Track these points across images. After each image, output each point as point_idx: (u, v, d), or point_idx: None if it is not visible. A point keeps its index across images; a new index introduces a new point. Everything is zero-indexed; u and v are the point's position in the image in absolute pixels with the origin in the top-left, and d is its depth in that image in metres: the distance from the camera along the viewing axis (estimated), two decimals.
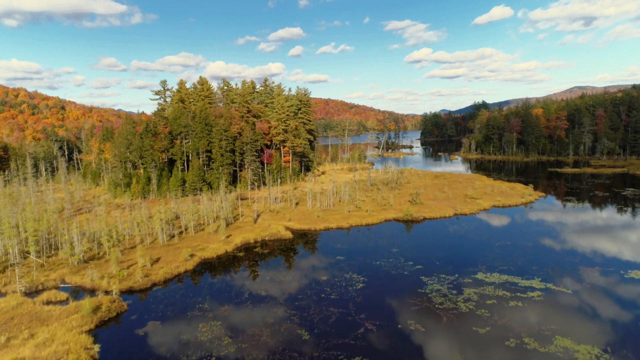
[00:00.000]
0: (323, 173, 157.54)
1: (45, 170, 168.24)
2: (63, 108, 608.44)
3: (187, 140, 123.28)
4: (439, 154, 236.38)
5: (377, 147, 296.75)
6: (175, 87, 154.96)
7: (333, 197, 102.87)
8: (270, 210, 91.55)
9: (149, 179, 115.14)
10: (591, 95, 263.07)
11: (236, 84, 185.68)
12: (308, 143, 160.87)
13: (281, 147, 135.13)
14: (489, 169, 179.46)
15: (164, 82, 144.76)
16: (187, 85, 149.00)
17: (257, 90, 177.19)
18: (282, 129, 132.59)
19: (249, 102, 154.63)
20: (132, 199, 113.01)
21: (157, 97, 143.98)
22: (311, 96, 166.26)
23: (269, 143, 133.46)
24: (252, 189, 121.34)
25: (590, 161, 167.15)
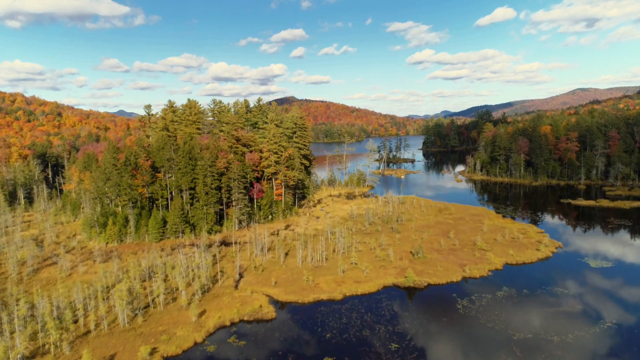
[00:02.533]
0: (319, 202, 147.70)
1: (24, 198, 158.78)
2: (60, 114, 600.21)
3: (170, 175, 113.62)
4: (442, 172, 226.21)
5: (378, 161, 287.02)
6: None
7: (326, 244, 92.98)
8: (255, 267, 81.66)
9: (126, 219, 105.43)
10: (599, 110, 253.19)
11: (228, 103, 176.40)
12: (303, 168, 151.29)
13: (273, 179, 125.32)
14: (495, 192, 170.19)
15: (148, 107, 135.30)
16: (181, 102, 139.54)
17: (251, 110, 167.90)
18: (274, 160, 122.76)
19: (241, 127, 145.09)
20: (107, 243, 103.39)
21: (141, 124, 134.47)
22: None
23: (259, 175, 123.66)
24: (240, 227, 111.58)
25: (603, 187, 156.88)
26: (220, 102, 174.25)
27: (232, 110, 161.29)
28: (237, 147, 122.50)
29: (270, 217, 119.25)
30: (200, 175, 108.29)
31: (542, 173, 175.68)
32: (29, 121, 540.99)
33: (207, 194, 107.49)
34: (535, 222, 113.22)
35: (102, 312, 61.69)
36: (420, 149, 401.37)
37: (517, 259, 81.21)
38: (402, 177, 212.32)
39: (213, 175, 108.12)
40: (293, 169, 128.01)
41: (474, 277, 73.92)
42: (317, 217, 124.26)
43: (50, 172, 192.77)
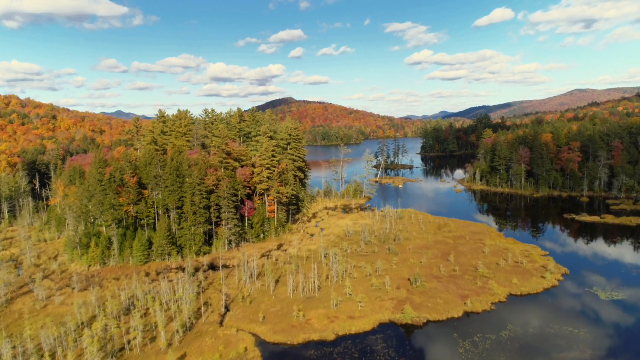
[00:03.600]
0: (314, 216, 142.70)
1: (8, 212, 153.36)
2: (54, 117, 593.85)
3: (157, 193, 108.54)
4: (441, 180, 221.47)
5: (376, 167, 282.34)
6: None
7: (319, 269, 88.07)
8: (243, 297, 76.61)
9: (110, 241, 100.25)
10: (601, 117, 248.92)
11: (221, 112, 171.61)
12: (298, 181, 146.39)
13: (265, 195, 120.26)
14: (495, 203, 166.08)
15: (136, 120, 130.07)
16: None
17: (244, 119, 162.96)
18: (266, 176, 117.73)
19: (233, 139, 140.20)
20: (89, 266, 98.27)
21: (127, 137, 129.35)
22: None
23: (250, 191, 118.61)
24: (230, 248, 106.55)
25: (607, 200, 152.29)
26: (213, 111, 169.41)
27: (225, 119, 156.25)
28: (227, 162, 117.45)
29: (262, 235, 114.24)
30: (188, 194, 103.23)
31: (544, 184, 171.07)
32: (23, 124, 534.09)
33: (195, 213, 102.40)
34: (538, 241, 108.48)
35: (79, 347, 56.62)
36: (419, 154, 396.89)
37: (521, 289, 76.36)
38: (400, 186, 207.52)
39: (201, 194, 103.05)
40: (287, 184, 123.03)
41: (476, 311, 69.03)
42: (311, 235, 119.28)
43: (37, 183, 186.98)
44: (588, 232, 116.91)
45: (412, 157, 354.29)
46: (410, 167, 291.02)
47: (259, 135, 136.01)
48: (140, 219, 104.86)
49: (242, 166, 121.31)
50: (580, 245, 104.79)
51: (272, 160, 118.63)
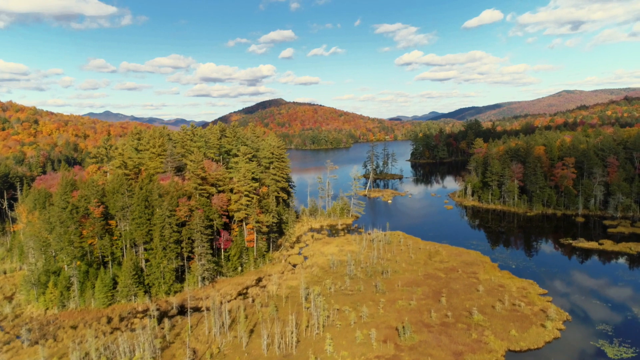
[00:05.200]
0: (298, 240, 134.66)
1: None
2: (36, 122, 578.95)
3: (124, 224, 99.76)
4: (432, 194, 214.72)
5: (365, 176, 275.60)
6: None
7: (299, 315, 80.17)
8: (211, 356, 68.31)
9: (71, 280, 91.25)
10: (594, 129, 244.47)
11: (201, 127, 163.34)
12: (282, 202, 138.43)
13: (244, 223, 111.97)
14: (488, 221, 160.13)
15: (106, 139, 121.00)
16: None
17: (225, 135, 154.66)
18: (245, 203, 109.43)
19: (212, 159, 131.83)
20: (47, 309, 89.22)
21: (95, 159, 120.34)
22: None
23: (227, 220, 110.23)
24: (204, 285, 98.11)
25: (604, 221, 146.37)
26: (193, 126, 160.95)
27: (204, 136, 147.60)
28: (203, 189, 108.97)
29: (239, 268, 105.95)
30: (157, 227, 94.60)
31: (538, 201, 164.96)
32: (3, 129, 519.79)
33: (164, 249, 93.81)
34: (535, 273, 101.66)
35: None
36: (409, 160, 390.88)
37: (520, 344, 69.08)
38: (389, 201, 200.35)
39: (172, 227, 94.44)
40: (267, 211, 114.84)
41: None
42: (294, 266, 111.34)
43: (5, 202, 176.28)
44: (587, 262, 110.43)
45: (402, 164, 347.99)
46: (400, 177, 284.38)
47: (239, 155, 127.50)
48: (104, 256, 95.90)
49: (219, 192, 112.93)
50: (581, 280, 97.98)
51: (251, 187, 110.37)
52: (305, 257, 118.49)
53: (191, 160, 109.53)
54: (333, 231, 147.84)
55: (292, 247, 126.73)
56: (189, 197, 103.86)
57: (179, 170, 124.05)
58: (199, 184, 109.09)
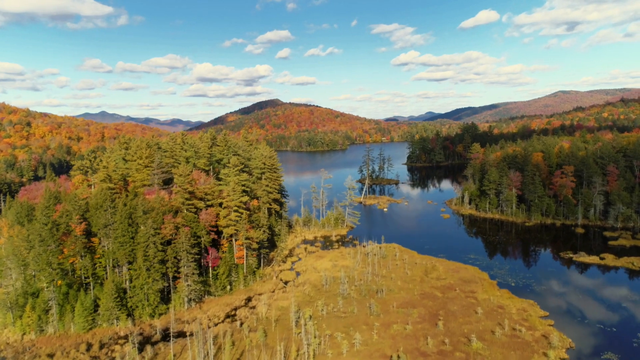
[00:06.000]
0: (290, 253, 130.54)
1: None
2: (29, 124, 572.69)
3: (107, 242, 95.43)
4: (428, 202, 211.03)
5: (361, 182, 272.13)
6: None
7: (289, 341, 76.14)
8: None
9: (49, 303, 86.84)
10: (592, 135, 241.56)
11: (192, 137, 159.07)
12: (274, 214, 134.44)
13: (233, 239, 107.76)
14: (485, 230, 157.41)
15: (89, 152, 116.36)
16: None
17: (216, 143, 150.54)
18: (234, 219, 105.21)
19: (201, 169, 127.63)
20: (24, 333, 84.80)
21: (80, 171, 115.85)
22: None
23: (216, 237, 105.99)
24: (190, 306, 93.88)
25: (604, 232, 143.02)
26: (183, 133, 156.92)
27: (194, 147, 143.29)
28: (190, 204, 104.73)
29: (228, 287, 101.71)
30: (141, 246, 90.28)
31: (536, 211, 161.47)
32: None
33: (148, 269, 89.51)
34: (535, 292, 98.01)
35: None
36: (405, 164, 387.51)
37: None
38: (385, 209, 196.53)
39: (156, 246, 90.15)
40: (258, 226, 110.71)
41: None
42: (285, 283, 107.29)
43: None
44: (588, 279, 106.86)
45: (399, 167, 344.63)
46: (396, 183, 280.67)
47: (229, 167, 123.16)
48: (86, 277, 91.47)
49: (207, 207, 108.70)
50: (583, 302, 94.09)
51: (240, 202, 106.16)
52: (298, 273, 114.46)
53: (179, 175, 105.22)
54: (327, 243, 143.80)
55: (284, 262, 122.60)
56: (176, 213, 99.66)
57: (167, 182, 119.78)
58: (187, 199, 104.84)
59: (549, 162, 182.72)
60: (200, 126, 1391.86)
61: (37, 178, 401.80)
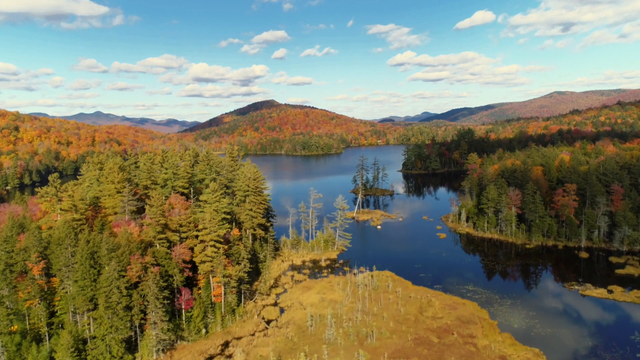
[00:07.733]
0: (275, 283, 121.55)
1: None
2: (17, 129, 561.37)
3: (68, 284, 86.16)
4: (424, 217, 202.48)
5: (354, 192, 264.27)
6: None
7: None
8: None
9: None
10: (593, 147, 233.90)
11: (173, 155, 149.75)
12: (259, 240, 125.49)
13: (210, 276, 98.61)
14: (484, 251, 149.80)
15: (54, 177, 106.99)
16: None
17: (198, 161, 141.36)
18: (210, 255, 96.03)
19: (180, 193, 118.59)
20: None
21: (44, 199, 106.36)
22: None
23: (190, 274, 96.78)
24: (159, 357, 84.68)
25: (610, 257, 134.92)
26: (164, 151, 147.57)
27: (174, 168, 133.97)
28: (163, 237, 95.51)
29: (204, 330, 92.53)
30: (104, 290, 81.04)
31: (537, 231, 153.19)
32: None
33: (110, 317, 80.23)
34: (540, 336, 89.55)
35: None
36: (400, 171, 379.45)
37: None
38: (379, 226, 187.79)
39: (121, 291, 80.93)
40: (238, 262, 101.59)
41: None
42: (268, 323, 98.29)
43: None
44: (597, 320, 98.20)
45: (393, 175, 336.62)
46: (391, 193, 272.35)
47: (207, 192, 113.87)
48: (39, 327, 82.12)
49: (182, 239, 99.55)
50: (593, 353, 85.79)
51: (218, 236, 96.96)
52: (282, 309, 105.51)
53: (151, 206, 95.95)
54: (316, 269, 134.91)
55: (267, 295, 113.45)
56: (144, 251, 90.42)
57: (141, 211, 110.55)
58: (159, 232, 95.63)
59: (549, 177, 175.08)
60: (196, 127, 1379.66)
61: (22, 186, 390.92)
